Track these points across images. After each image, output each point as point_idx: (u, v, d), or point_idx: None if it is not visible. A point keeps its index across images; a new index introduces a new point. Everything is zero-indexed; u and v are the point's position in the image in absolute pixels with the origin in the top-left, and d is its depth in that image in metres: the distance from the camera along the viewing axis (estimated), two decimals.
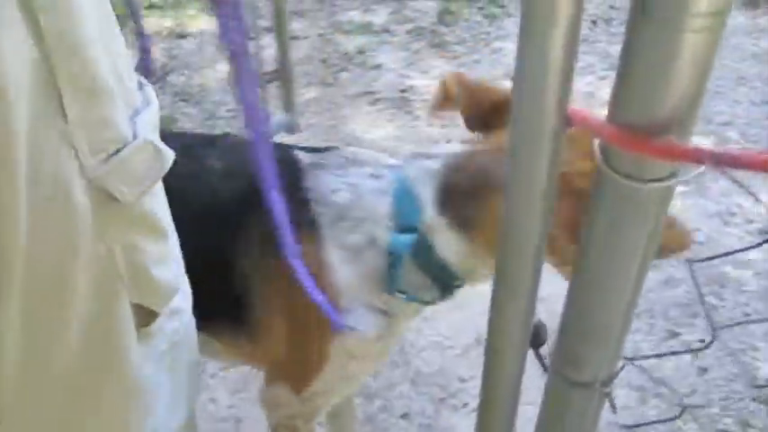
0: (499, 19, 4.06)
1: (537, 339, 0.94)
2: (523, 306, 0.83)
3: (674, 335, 2.38)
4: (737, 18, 3.76)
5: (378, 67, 3.64)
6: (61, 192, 0.69)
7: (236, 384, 2.20)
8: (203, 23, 3.95)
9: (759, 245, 0.72)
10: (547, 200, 0.71)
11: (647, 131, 0.58)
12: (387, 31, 3.91)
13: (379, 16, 4.04)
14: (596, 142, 0.64)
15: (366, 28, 3.93)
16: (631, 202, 0.65)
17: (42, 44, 0.63)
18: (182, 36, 3.87)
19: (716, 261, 2.62)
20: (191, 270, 1.17)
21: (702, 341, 2.36)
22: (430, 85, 3.47)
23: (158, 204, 0.86)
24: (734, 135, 3.21)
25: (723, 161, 0.55)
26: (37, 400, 0.78)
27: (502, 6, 4.16)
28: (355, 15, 4.04)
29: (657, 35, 0.54)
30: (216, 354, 1.50)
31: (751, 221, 2.72)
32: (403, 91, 3.46)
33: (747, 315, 2.45)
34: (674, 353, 2.19)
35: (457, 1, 4.19)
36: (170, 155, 0.83)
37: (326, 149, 1.38)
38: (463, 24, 4.00)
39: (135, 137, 0.76)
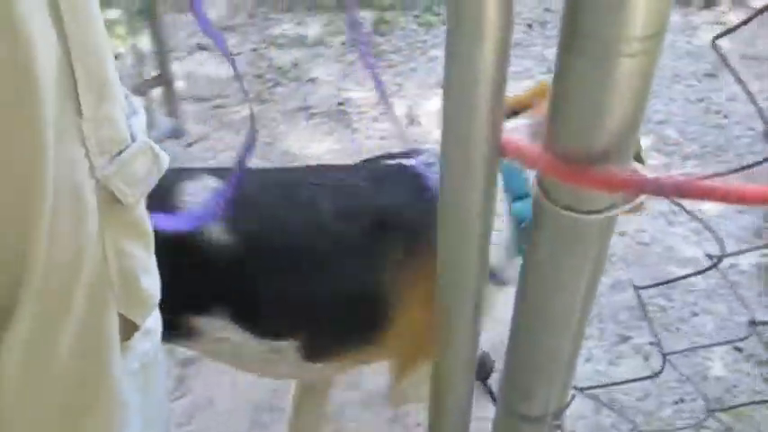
0: (435, 27, 4.04)
1: (483, 370, 0.90)
2: (467, 335, 0.79)
3: (625, 339, 2.37)
4: (671, 16, 3.76)
5: (313, 80, 3.58)
6: (75, 191, 0.71)
7: (180, 417, 2.12)
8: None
9: (707, 269, 0.69)
10: (483, 234, 0.67)
11: (585, 161, 0.54)
12: (321, 43, 3.86)
13: (313, 28, 3.98)
14: (532, 173, 0.60)
15: (300, 41, 3.87)
16: (572, 233, 0.60)
17: (65, 43, 0.67)
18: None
19: (661, 262, 2.62)
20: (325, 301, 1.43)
21: (653, 344, 2.35)
22: (366, 96, 3.43)
23: (146, 211, 0.86)
24: (672, 133, 3.22)
25: (665, 190, 0.52)
26: (37, 401, 0.77)
27: (437, 14, 4.13)
28: (288, 29, 3.98)
29: (591, 61, 0.49)
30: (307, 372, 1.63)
31: (693, 220, 2.72)
32: (340, 104, 3.40)
33: (695, 314, 2.45)
34: (625, 381, 2.17)
35: (392, 10, 4.15)
36: (166, 159, 0.84)
37: (415, 151, 1.54)
38: (398, 33, 3.97)
39: (133, 139, 0.79)
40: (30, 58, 0.62)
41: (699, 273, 0.78)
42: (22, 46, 0.61)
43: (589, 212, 0.58)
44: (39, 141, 0.65)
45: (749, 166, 0.59)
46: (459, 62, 0.55)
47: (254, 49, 3.81)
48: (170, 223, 1.19)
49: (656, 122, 3.24)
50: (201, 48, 3.80)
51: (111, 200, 0.76)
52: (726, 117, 3.30)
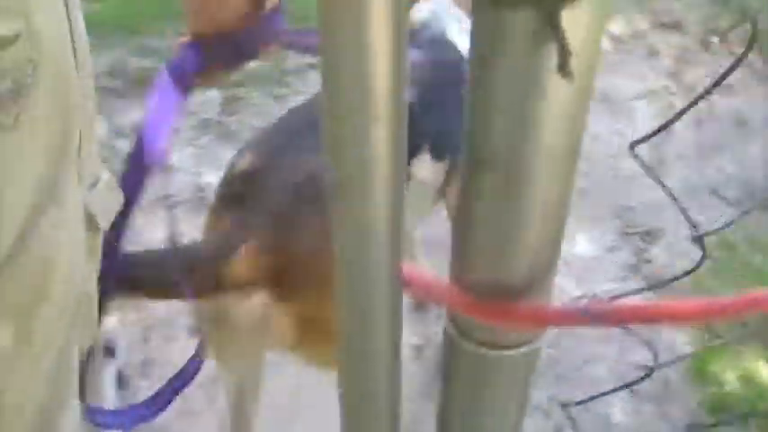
0: (286, 98, 3.96)
1: None
2: None
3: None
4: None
5: (168, 168, 3.44)
6: (77, 222, 0.77)
7: None
8: None
9: (638, 381, 0.63)
10: (390, 373, 0.58)
11: (499, 295, 0.45)
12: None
13: None
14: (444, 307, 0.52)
15: None
16: (493, 371, 0.52)
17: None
18: None
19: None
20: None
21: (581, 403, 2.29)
22: None
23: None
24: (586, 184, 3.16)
25: (592, 319, 0.45)
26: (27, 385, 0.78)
27: (287, 86, 4.06)
28: (136, 116, 3.83)
29: (502, 179, 0.42)
30: None
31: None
32: (201, 190, 3.27)
33: (587, 361, 2.43)
34: None
35: (243, 87, 4.06)
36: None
37: None
38: (251, 110, 3.87)
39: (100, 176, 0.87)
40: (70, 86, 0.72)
41: (629, 385, 0.72)
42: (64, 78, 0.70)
43: (511, 347, 0.50)
44: (70, 209, 0.73)
45: (669, 281, 0.53)
46: (349, 198, 0.47)
47: (102, 142, 3.64)
48: (116, 421, 1.14)
49: None
50: None
51: (91, 227, 0.83)
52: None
